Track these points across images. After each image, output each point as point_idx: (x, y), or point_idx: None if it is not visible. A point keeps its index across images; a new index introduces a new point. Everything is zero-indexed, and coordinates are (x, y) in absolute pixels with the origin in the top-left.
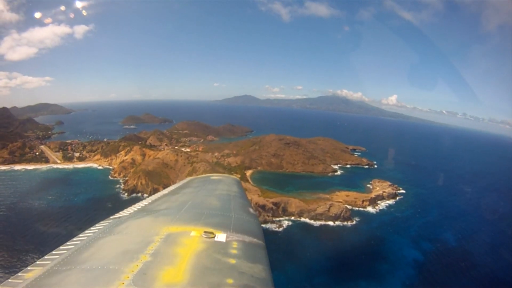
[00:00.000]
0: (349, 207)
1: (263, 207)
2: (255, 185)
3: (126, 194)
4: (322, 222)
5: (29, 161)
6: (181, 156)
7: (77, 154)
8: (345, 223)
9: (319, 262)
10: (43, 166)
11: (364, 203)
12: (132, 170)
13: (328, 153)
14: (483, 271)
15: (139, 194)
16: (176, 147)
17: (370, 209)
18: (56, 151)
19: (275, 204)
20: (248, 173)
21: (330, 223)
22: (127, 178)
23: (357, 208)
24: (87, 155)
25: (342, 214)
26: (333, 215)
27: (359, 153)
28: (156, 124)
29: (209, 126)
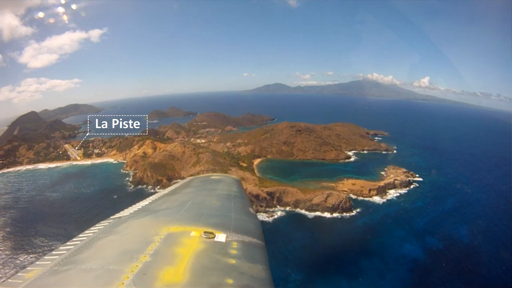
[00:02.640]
0: (353, 196)
1: (256, 196)
2: (259, 174)
3: (132, 186)
4: (318, 213)
5: (52, 160)
6: (188, 147)
7: (96, 151)
8: (344, 214)
9: (301, 257)
10: (64, 163)
11: (371, 192)
12: (141, 163)
13: (343, 139)
14: (490, 277)
15: (144, 186)
16: (192, 139)
17: (376, 199)
18: (78, 149)
19: (269, 194)
20: (256, 161)
21: (327, 214)
22: (136, 171)
23: (361, 198)
24: (106, 151)
25: (341, 205)
26: (330, 205)
27: (380, 138)
28: (180, 117)
29: (229, 116)
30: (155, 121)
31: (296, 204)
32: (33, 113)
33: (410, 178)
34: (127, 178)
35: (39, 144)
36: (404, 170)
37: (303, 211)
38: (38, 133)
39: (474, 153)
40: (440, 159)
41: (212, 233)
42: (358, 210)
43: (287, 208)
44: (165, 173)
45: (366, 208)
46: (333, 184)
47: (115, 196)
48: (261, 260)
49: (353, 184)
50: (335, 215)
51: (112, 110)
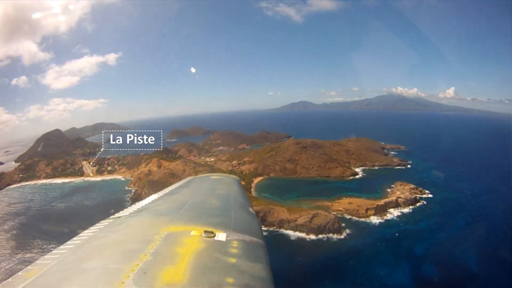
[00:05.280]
0: (347, 216)
1: None
2: (255, 192)
3: (130, 202)
4: (303, 235)
5: (67, 175)
6: (188, 165)
7: (109, 168)
8: (331, 235)
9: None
10: (77, 179)
11: (369, 212)
12: (143, 180)
13: (353, 155)
14: None
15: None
16: (202, 157)
17: (373, 219)
18: (93, 166)
19: None
20: (256, 180)
21: (312, 235)
22: (137, 188)
23: (356, 218)
24: (117, 168)
25: (328, 226)
26: (315, 226)
27: (396, 153)
28: (199, 136)
29: (243, 134)
30: (173, 139)
31: (281, 224)
32: (57, 131)
33: (417, 195)
34: (128, 195)
35: (58, 161)
36: (412, 186)
37: (287, 232)
38: (60, 150)
39: (495, 163)
40: (457, 172)
41: (212, 232)
42: (348, 231)
43: (271, 228)
44: (162, 190)
45: (358, 230)
46: (329, 203)
47: (112, 210)
48: (261, 259)
49: (350, 203)
50: (320, 236)
51: (138, 128)
